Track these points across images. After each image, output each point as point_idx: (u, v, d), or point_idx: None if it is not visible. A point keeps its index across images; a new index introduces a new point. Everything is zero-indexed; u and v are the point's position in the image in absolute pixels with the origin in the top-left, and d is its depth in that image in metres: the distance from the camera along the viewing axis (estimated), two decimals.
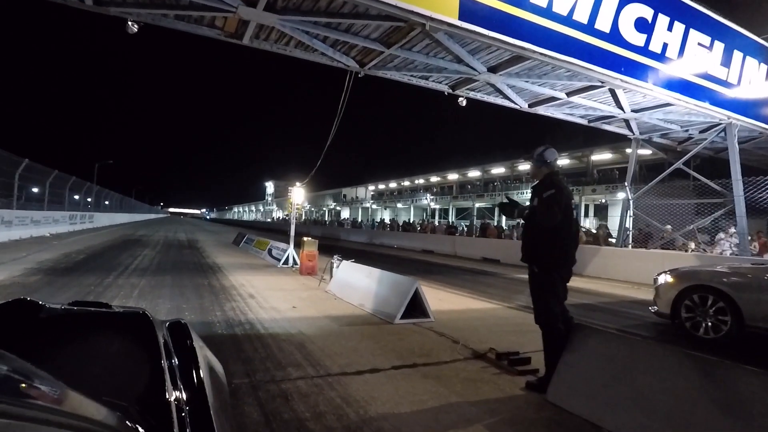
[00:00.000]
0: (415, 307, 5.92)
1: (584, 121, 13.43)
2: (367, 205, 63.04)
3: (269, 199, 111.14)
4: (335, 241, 27.76)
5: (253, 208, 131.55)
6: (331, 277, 8.25)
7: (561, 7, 8.29)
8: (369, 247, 24.61)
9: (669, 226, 13.72)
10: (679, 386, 2.71)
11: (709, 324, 5.57)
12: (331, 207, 73.02)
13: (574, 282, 11.98)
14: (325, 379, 3.53)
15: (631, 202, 13.60)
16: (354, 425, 2.78)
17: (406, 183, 59.34)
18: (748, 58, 11.88)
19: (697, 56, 10.79)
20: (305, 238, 10.53)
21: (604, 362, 3.13)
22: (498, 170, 46.54)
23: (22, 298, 1.35)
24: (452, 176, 51.94)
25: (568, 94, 11.07)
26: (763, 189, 11.38)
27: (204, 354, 1.42)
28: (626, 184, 14.52)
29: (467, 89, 10.90)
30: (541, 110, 12.20)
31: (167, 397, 1.04)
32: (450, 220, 43.51)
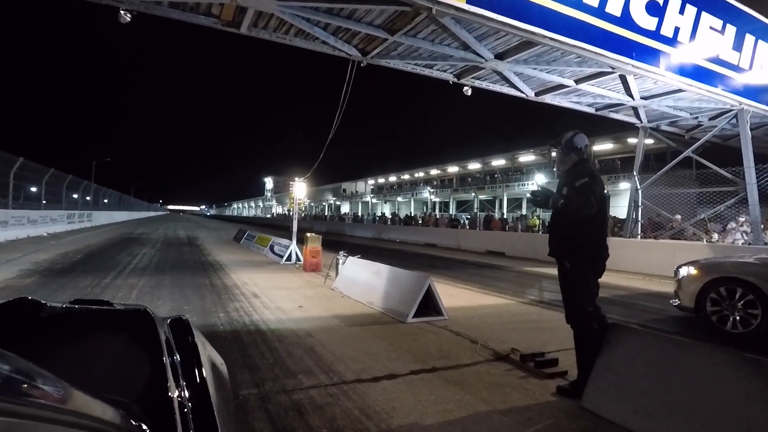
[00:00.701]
0: (428, 304, 5.65)
1: (591, 110, 13.10)
2: (367, 199, 62.72)
3: (268, 195, 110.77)
4: (337, 236, 27.46)
5: (252, 204, 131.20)
6: (337, 273, 7.98)
7: None
8: (371, 241, 24.33)
9: (678, 216, 13.45)
10: (734, 394, 2.44)
11: (738, 318, 5.30)
12: (331, 202, 72.68)
13: None
14: (340, 388, 3.26)
15: (639, 191, 13.31)
16: None
17: (406, 176, 58.93)
18: (760, 42, 11.53)
19: (709, 40, 10.45)
20: (308, 234, 10.24)
21: (647, 365, 2.85)
22: (498, 162, 46.17)
23: (23, 297, 1.35)
24: (452, 169, 51.56)
25: (577, 82, 10.74)
26: None
27: (206, 350, 1.41)
28: (634, 173, 14.21)
29: (473, 78, 10.56)
30: (547, 99, 11.87)
31: (169, 394, 1.03)
32: (452, 213, 43.20)
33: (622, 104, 12.45)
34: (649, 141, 32.90)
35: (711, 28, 10.46)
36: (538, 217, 20.06)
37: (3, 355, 0.76)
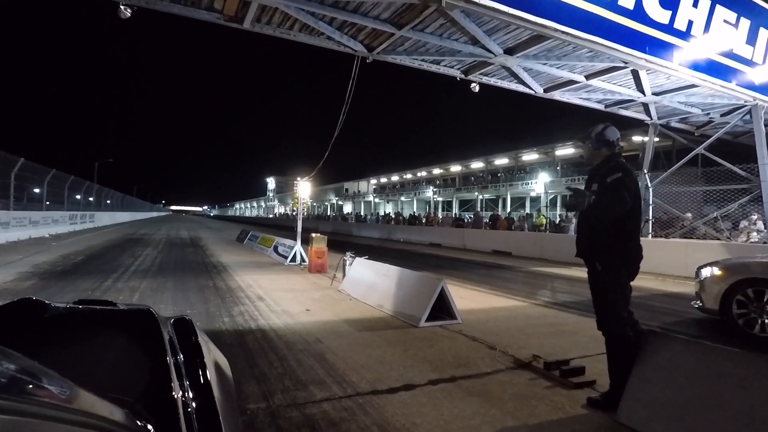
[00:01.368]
0: (440, 307, 5.42)
1: (601, 107, 12.85)
2: (370, 199, 62.51)
3: (270, 195, 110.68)
4: (341, 236, 27.23)
5: (254, 204, 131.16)
6: (344, 275, 7.76)
7: None
8: (376, 241, 24.11)
9: (689, 214, 13.19)
10: None
11: (767, 321, 5.05)
12: (333, 201, 72.50)
13: None
14: (355, 401, 3.03)
15: (650, 189, 13.04)
16: None
17: (409, 176, 58.71)
18: None
19: (722, 34, 10.18)
20: (314, 234, 10.02)
21: (690, 378, 2.61)
22: (502, 161, 45.90)
23: (27, 298, 1.35)
24: (455, 168, 51.30)
25: (587, 77, 10.51)
26: None
27: (209, 350, 1.41)
28: (644, 171, 13.94)
29: (480, 74, 10.34)
30: (556, 95, 11.63)
31: (173, 393, 1.03)
32: (456, 213, 42.94)
33: (632, 100, 12.21)
34: (654, 138, 32.71)
35: (725, 21, 10.19)
36: (544, 216, 19.78)
37: (9, 355, 0.77)
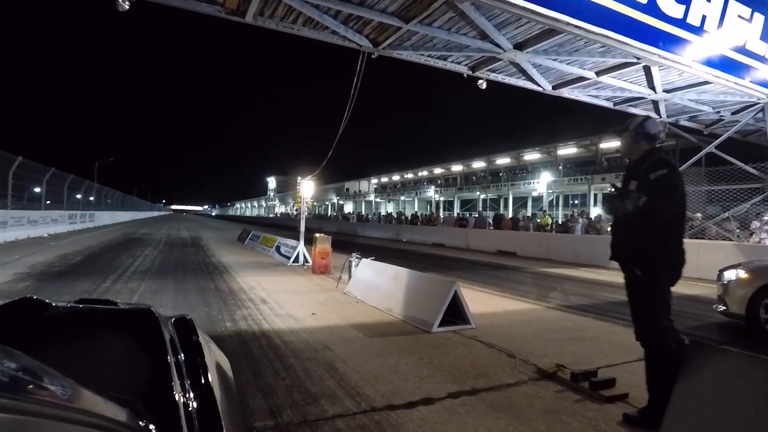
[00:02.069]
0: (453, 311, 5.17)
1: (609, 104, 12.59)
2: (371, 198, 62.25)
3: (271, 194, 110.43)
4: (340, 235, 26.98)
5: (255, 204, 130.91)
6: (350, 277, 7.51)
7: None
8: (379, 241, 23.85)
9: (699, 214, 12.94)
10: None
11: None
12: (334, 201, 72.27)
13: (602, 276, 11.24)
14: (371, 417, 2.79)
15: None
16: None
17: (410, 175, 58.45)
18: None
19: (736, 29, 9.92)
20: (317, 234, 9.77)
21: (746, 396, 2.36)
22: (503, 160, 45.64)
23: (28, 297, 1.35)
24: (456, 167, 51.03)
25: (598, 74, 10.24)
26: None
27: (210, 349, 1.41)
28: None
29: (488, 70, 10.07)
30: (565, 92, 11.36)
31: (174, 392, 1.02)
32: (459, 212, 42.68)
33: (642, 98, 11.93)
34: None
35: (739, 16, 9.93)
36: (550, 215, 19.53)
37: (11, 354, 0.77)
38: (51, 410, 0.63)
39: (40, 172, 20.30)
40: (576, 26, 7.47)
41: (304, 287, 7.86)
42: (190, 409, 1.01)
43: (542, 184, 37.17)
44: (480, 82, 10.25)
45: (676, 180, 2.60)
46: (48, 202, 22.94)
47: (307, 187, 11.21)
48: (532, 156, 43.07)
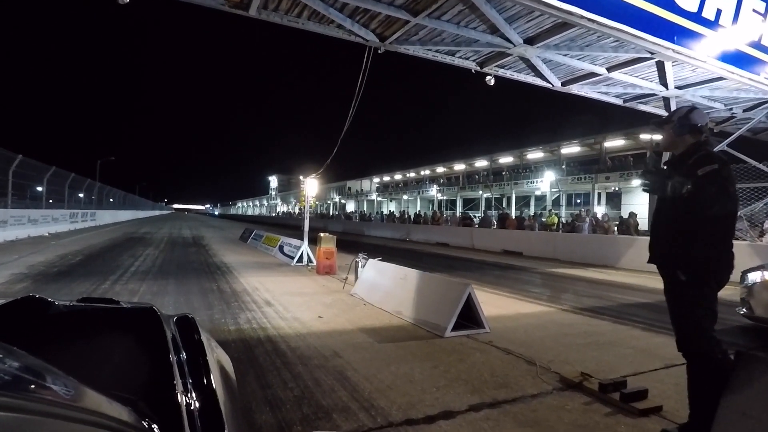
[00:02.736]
0: (465, 315, 4.94)
1: (619, 101, 12.34)
2: (373, 197, 62.03)
3: (273, 193, 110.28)
4: (349, 236, 26.75)
5: (257, 203, 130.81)
6: (356, 278, 7.29)
7: None
8: (382, 240, 23.63)
9: None
10: None
11: None
12: (336, 200, 72.07)
13: (612, 276, 11.01)
14: None
15: None
16: None
17: (412, 174, 58.21)
18: None
19: (751, 24, 9.66)
20: (322, 234, 9.55)
21: None
22: (506, 159, 45.39)
23: (31, 296, 1.35)
24: (459, 166, 50.78)
25: (609, 69, 9.99)
26: None
27: (212, 348, 1.41)
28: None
29: (496, 66, 9.82)
30: (574, 89, 11.11)
31: (176, 391, 1.01)
32: (465, 211, 42.42)
33: (653, 95, 11.67)
34: (660, 136, 32.13)
35: (754, 11, 9.66)
36: (556, 215, 19.29)
37: (13, 353, 0.78)
38: (54, 409, 0.63)
39: (41, 170, 20.13)
40: (590, 20, 7.23)
41: (309, 288, 7.64)
42: (192, 408, 1.01)
43: (545, 183, 36.90)
44: (488, 78, 10.02)
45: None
46: (50, 201, 22.81)
47: (311, 185, 10.99)
48: (535, 155, 42.84)
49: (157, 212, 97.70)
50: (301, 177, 11.34)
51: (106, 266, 9.80)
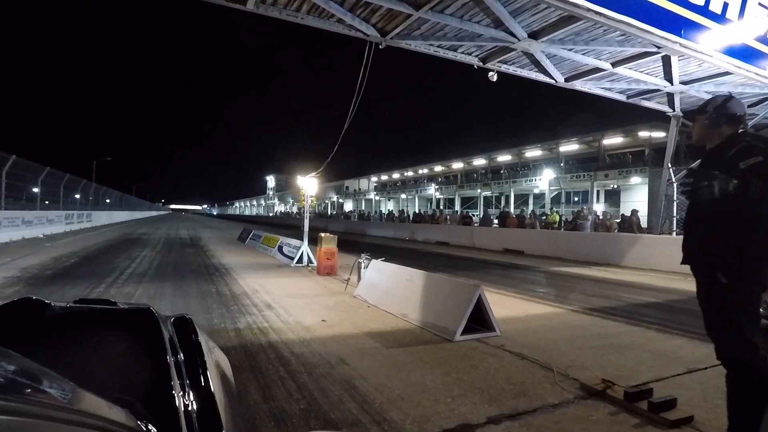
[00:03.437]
0: (475, 317, 4.75)
1: (622, 97, 12.19)
2: (371, 196, 61.82)
3: (270, 193, 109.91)
4: (349, 235, 26.49)
5: (254, 203, 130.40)
6: (359, 278, 7.09)
7: None
8: (382, 240, 23.43)
9: None
10: None
11: None
12: (334, 199, 71.84)
13: (617, 275, 10.80)
14: None
15: (674, 184, 12.38)
16: None
17: (410, 173, 58.03)
18: None
19: (757, 18, 9.50)
20: (323, 234, 9.34)
21: None
22: (504, 157, 45.21)
23: (27, 297, 1.34)
24: (457, 165, 50.64)
25: (614, 65, 9.84)
26: None
27: (210, 348, 1.39)
28: (668, 165, 13.27)
29: (499, 61, 9.67)
30: (578, 84, 10.97)
31: (173, 393, 1.00)
32: (466, 210, 42.27)
33: (657, 90, 11.55)
34: (660, 134, 31.92)
35: (760, 4, 9.51)
36: (558, 213, 19.13)
37: (9, 355, 0.78)
38: (50, 412, 0.62)
39: (36, 171, 19.85)
40: (597, 12, 7.06)
41: (311, 290, 7.44)
42: (189, 409, 1.00)
43: (544, 181, 36.76)
44: (491, 74, 9.84)
45: None
46: (46, 202, 22.52)
47: (311, 184, 10.79)
48: (533, 153, 42.68)
49: (154, 213, 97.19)
50: (298, 176, 11.13)
51: (101, 268, 9.57)
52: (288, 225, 37.84)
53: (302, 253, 10.65)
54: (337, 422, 2.68)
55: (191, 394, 1.05)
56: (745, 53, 9.53)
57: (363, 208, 59.60)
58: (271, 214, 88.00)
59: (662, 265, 11.42)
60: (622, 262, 12.70)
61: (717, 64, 9.40)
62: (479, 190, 45.48)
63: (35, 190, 20.72)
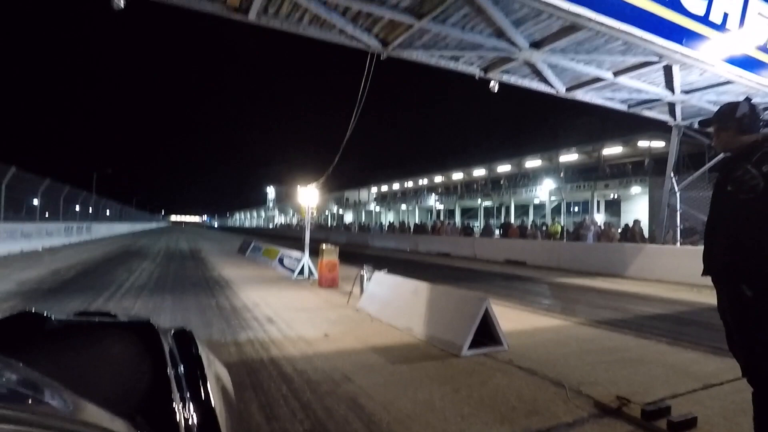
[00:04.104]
0: (482, 331, 4.63)
1: (624, 107, 12.16)
2: (371, 208, 61.79)
3: (270, 204, 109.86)
4: (351, 247, 26.36)
5: (254, 214, 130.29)
6: (362, 291, 6.97)
7: None
8: (382, 251, 23.31)
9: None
10: None
11: None
12: (334, 211, 71.79)
13: (622, 286, 10.66)
14: None
15: (677, 194, 12.31)
16: None
17: (410, 184, 58.07)
18: None
19: (757, 27, 9.53)
20: (324, 246, 9.24)
21: None
22: (504, 168, 45.27)
23: (26, 311, 1.35)
24: (457, 176, 50.71)
25: (615, 74, 9.81)
26: None
27: (210, 362, 1.37)
28: (671, 174, 13.21)
29: (501, 71, 9.63)
30: (579, 94, 10.94)
31: (173, 405, 1.01)
32: (458, 221, 42.19)
33: (658, 100, 11.52)
34: (659, 144, 31.89)
35: (760, 14, 9.55)
36: (559, 223, 19.04)
37: (11, 365, 0.79)
38: (51, 422, 0.62)
39: (35, 183, 19.79)
40: (599, 22, 7.04)
41: (313, 303, 7.32)
42: (190, 422, 1.00)
43: (544, 191, 36.74)
44: (492, 84, 9.81)
45: None
46: (46, 214, 22.45)
47: (312, 194, 10.70)
48: (533, 163, 42.77)
49: (153, 225, 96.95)
50: (298, 186, 11.04)
51: (100, 281, 9.44)
52: (288, 236, 37.69)
53: (303, 265, 10.53)
54: None
55: (192, 407, 1.05)
56: (746, 62, 9.53)
57: (363, 219, 59.52)
58: (271, 226, 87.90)
59: (667, 276, 11.29)
60: (625, 272, 12.57)
61: (719, 73, 9.40)
62: (480, 201, 45.45)
63: (35, 202, 20.67)
